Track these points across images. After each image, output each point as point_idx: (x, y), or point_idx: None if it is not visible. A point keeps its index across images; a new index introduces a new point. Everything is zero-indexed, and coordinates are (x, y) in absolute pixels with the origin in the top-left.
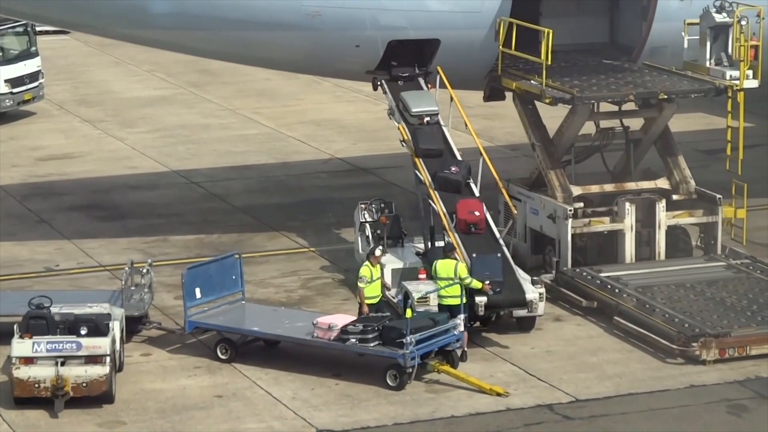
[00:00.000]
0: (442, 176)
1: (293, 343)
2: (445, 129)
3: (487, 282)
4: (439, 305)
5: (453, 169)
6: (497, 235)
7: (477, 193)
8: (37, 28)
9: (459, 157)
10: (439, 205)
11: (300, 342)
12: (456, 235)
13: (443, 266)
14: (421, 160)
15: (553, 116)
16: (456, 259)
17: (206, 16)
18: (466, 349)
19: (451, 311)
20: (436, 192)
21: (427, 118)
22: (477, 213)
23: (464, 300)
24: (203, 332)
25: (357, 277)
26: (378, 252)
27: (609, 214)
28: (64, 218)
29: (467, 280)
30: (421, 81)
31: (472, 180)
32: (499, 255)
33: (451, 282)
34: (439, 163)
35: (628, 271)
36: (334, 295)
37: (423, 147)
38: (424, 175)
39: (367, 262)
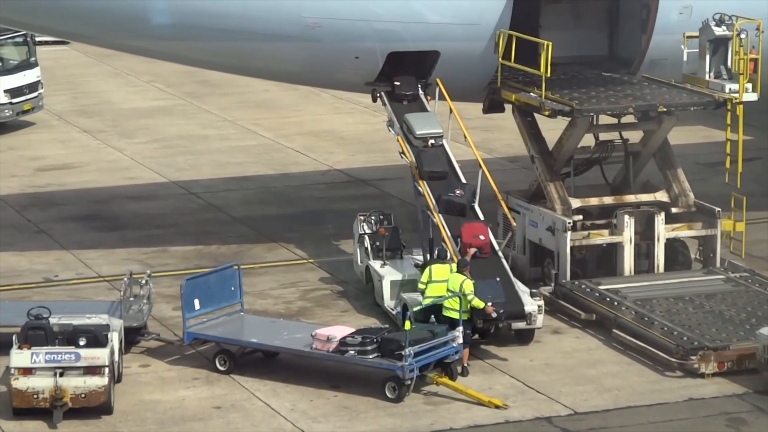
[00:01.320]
0: (447, 199)
1: (292, 355)
2: (449, 151)
3: (490, 303)
4: (443, 316)
5: (458, 192)
6: (496, 247)
7: (482, 216)
8: (37, 39)
9: (463, 180)
10: (443, 229)
11: (299, 353)
12: (460, 258)
13: (452, 279)
14: (425, 182)
15: (552, 128)
16: (467, 275)
17: (206, 27)
18: (466, 364)
19: (452, 324)
20: (440, 215)
21: (432, 141)
22: (482, 237)
23: (466, 316)
24: (202, 343)
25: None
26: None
27: (608, 226)
28: (63, 229)
29: (470, 297)
30: (421, 93)
31: (477, 203)
32: (498, 279)
33: (450, 294)
34: (443, 186)
35: (627, 284)
36: (333, 307)
37: (427, 170)
38: (428, 199)
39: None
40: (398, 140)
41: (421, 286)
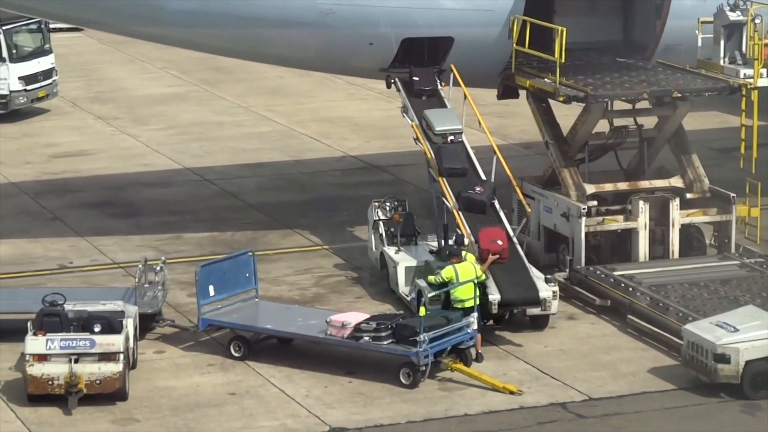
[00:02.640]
0: (467, 197)
1: (306, 341)
2: (468, 147)
3: (478, 189)
4: (457, 307)
5: (477, 189)
6: (511, 234)
7: (502, 214)
8: (51, 26)
9: (483, 177)
10: (460, 221)
11: (313, 340)
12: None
13: (464, 271)
14: (444, 179)
15: (566, 114)
16: (464, 260)
17: (220, 13)
18: (480, 350)
19: (466, 310)
20: (460, 213)
21: (451, 137)
22: (500, 242)
23: (478, 301)
24: (217, 330)
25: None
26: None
27: (623, 212)
28: (78, 215)
29: (483, 277)
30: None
31: (496, 200)
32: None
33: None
34: (463, 183)
35: (642, 270)
36: (348, 293)
37: (447, 166)
38: (447, 194)
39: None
40: (413, 126)
41: (442, 279)
